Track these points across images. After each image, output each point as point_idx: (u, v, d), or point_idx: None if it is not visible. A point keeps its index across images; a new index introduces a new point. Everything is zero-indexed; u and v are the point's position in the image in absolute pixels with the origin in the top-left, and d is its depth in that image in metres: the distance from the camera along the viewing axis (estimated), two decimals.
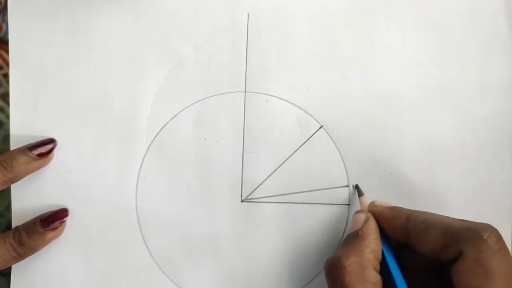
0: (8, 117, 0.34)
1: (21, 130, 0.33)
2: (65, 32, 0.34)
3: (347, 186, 0.33)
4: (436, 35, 0.34)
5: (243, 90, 0.34)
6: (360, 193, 0.32)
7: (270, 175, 0.33)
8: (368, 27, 0.34)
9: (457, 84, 0.34)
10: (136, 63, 0.34)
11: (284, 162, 0.33)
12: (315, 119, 0.33)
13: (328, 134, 0.33)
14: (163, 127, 0.34)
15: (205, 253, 0.33)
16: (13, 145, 0.33)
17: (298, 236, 0.33)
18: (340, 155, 0.33)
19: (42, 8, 0.34)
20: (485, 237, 0.24)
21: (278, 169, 0.33)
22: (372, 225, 0.28)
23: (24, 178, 0.32)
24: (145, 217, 0.33)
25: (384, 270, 0.27)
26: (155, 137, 0.33)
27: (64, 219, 0.32)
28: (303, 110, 0.33)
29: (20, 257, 0.31)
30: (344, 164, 0.33)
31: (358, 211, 0.30)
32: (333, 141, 0.33)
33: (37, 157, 0.32)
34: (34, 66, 0.34)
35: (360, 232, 0.28)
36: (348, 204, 0.33)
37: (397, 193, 0.33)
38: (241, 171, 0.33)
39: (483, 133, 0.33)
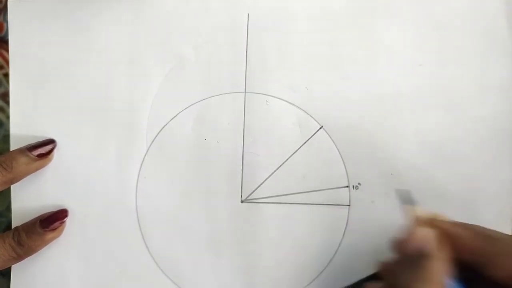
0: (8, 117, 0.34)
1: (21, 130, 0.33)
2: (65, 32, 0.34)
3: (347, 186, 0.33)
4: (436, 35, 0.34)
5: (243, 91, 0.34)
6: (410, 202, 0.26)
7: (270, 175, 0.33)
8: (368, 27, 0.34)
9: (457, 84, 0.34)
10: (136, 63, 0.34)
11: (284, 162, 0.33)
12: (315, 120, 0.33)
13: (328, 135, 0.33)
14: (163, 127, 0.34)
15: (205, 253, 0.33)
16: (13, 145, 0.33)
17: (298, 237, 0.33)
18: (340, 155, 0.33)
19: (42, 8, 0.34)
20: None
21: (278, 170, 0.33)
22: (443, 255, 0.23)
23: (24, 178, 0.32)
24: (145, 217, 0.33)
25: None
26: (155, 137, 0.33)
27: (63, 220, 0.32)
28: (303, 110, 0.33)
29: (19, 257, 0.31)
30: (344, 164, 0.33)
31: (417, 225, 0.24)
32: (333, 141, 0.33)
33: (37, 157, 0.32)
34: (34, 66, 0.34)
35: (428, 254, 0.22)
36: (348, 205, 0.33)
37: None
38: (241, 172, 0.33)
39: (483, 133, 0.33)
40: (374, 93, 0.33)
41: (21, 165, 0.31)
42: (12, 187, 0.33)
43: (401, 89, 0.34)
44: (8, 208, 0.35)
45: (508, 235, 0.23)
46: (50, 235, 0.31)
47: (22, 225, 0.31)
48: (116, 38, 0.34)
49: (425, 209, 0.25)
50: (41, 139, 0.33)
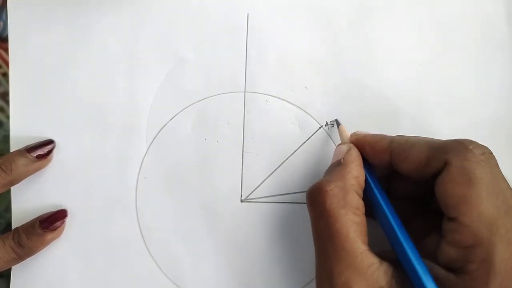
0: (7, 117, 0.34)
1: (21, 130, 0.33)
2: (65, 32, 0.34)
3: None
4: (436, 35, 0.34)
5: (243, 90, 0.34)
6: (338, 125, 0.32)
7: (270, 175, 0.33)
8: (368, 27, 0.34)
9: (457, 84, 0.34)
10: (136, 63, 0.34)
11: (283, 162, 0.33)
12: (315, 119, 0.33)
13: (328, 134, 0.33)
14: (163, 127, 0.34)
15: (205, 253, 0.33)
16: (13, 145, 0.33)
17: (297, 236, 0.33)
18: None
19: (42, 8, 0.34)
20: (470, 147, 0.24)
21: (278, 169, 0.33)
22: (354, 154, 0.28)
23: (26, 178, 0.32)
24: (145, 217, 0.33)
25: (369, 197, 0.27)
26: (155, 137, 0.33)
27: (63, 220, 0.32)
28: (303, 110, 0.33)
29: (19, 258, 0.31)
30: None
31: (339, 144, 0.30)
32: (333, 141, 0.33)
33: (36, 159, 0.32)
34: (34, 66, 0.34)
35: (342, 160, 0.27)
36: None
37: None
38: (240, 171, 0.33)
39: (483, 133, 0.33)
40: (374, 93, 0.33)
41: (21, 166, 0.31)
42: (12, 187, 0.33)
43: (401, 89, 0.34)
44: (7, 209, 0.35)
45: (416, 136, 0.27)
46: (49, 235, 0.31)
47: (21, 226, 0.31)
48: (116, 38, 0.34)
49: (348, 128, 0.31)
50: (41, 139, 0.33)
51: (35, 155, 0.32)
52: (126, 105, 0.34)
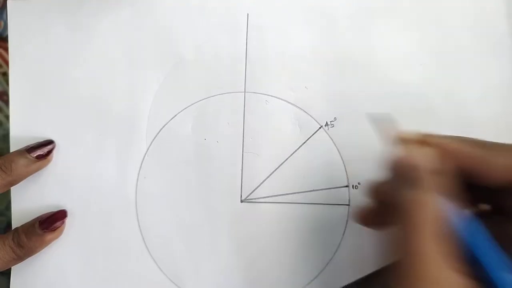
0: (6, 116, 0.34)
1: (21, 130, 0.33)
2: (65, 32, 0.34)
3: (347, 186, 0.33)
4: (437, 35, 0.34)
5: (243, 90, 0.34)
6: (391, 124, 0.24)
7: (270, 175, 0.33)
8: (368, 27, 0.34)
9: (457, 84, 0.34)
10: (136, 63, 0.34)
11: (284, 162, 0.33)
12: (315, 119, 0.33)
13: (328, 134, 0.33)
14: (163, 127, 0.34)
15: (205, 253, 0.33)
16: (13, 145, 0.33)
17: (298, 236, 0.33)
18: (340, 155, 0.33)
19: (42, 8, 0.34)
20: None
21: (278, 169, 0.33)
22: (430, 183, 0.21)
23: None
24: (145, 217, 0.33)
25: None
26: (155, 137, 0.33)
27: (63, 220, 0.32)
28: (303, 110, 0.33)
29: (19, 258, 0.31)
30: (344, 164, 0.33)
31: (399, 157, 0.22)
32: (333, 141, 0.33)
33: (36, 159, 0.32)
34: (34, 66, 0.34)
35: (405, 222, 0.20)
36: (348, 204, 0.33)
37: None
38: (240, 171, 0.33)
39: (483, 133, 0.33)
40: (374, 93, 0.33)
41: (20, 167, 0.31)
42: (12, 188, 0.33)
43: (401, 89, 0.34)
44: (8, 207, 0.35)
45: (500, 143, 0.23)
46: (49, 236, 0.31)
47: (21, 226, 0.31)
48: (116, 38, 0.34)
49: (409, 129, 0.24)
50: (41, 139, 0.33)
51: (35, 155, 0.31)
52: (126, 105, 0.34)
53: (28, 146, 0.32)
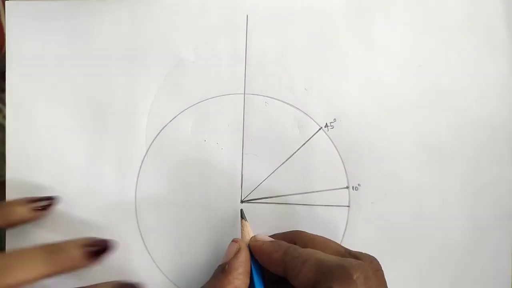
0: (3, 116, 0.34)
1: (19, 132, 0.33)
2: (64, 32, 0.34)
3: (346, 187, 0.33)
4: (436, 35, 0.34)
5: (243, 92, 0.34)
6: (242, 217, 0.31)
7: (269, 176, 0.33)
8: (367, 27, 0.34)
9: (457, 84, 0.34)
10: (136, 64, 0.34)
11: (283, 163, 0.33)
12: (315, 121, 0.33)
13: (328, 136, 0.33)
14: (163, 128, 0.34)
15: (205, 253, 0.33)
16: (11, 145, 0.33)
17: None
18: (340, 156, 0.33)
19: (40, 8, 0.34)
20: (354, 277, 0.24)
21: (278, 170, 0.33)
22: (241, 259, 0.28)
23: (23, 179, 0.32)
24: (145, 217, 0.33)
25: None
26: (155, 137, 0.34)
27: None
28: (302, 111, 0.33)
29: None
30: (344, 166, 0.33)
31: (233, 240, 0.29)
32: (333, 143, 0.33)
33: (33, 211, 0.31)
34: (32, 66, 0.34)
35: (226, 266, 0.27)
36: (348, 206, 0.33)
37: (397, 193, 0.33)
38: (240, 172, 0.33)
39: (483, 133, 0.33)
40: (374, 93, 0.33)
41: (18, 216, 0.30)
42: (8, 190, 0.33)
43: (401, 89, 0.34)
44: None
45: (311, 250, 0.27)
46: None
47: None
48: (116, 39, 0.34)
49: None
50: (39, 141, 0.33)
51: (33, 207, 0.31)
52: (126, 106, 0.33)
53: (28, 198, 0.31)
